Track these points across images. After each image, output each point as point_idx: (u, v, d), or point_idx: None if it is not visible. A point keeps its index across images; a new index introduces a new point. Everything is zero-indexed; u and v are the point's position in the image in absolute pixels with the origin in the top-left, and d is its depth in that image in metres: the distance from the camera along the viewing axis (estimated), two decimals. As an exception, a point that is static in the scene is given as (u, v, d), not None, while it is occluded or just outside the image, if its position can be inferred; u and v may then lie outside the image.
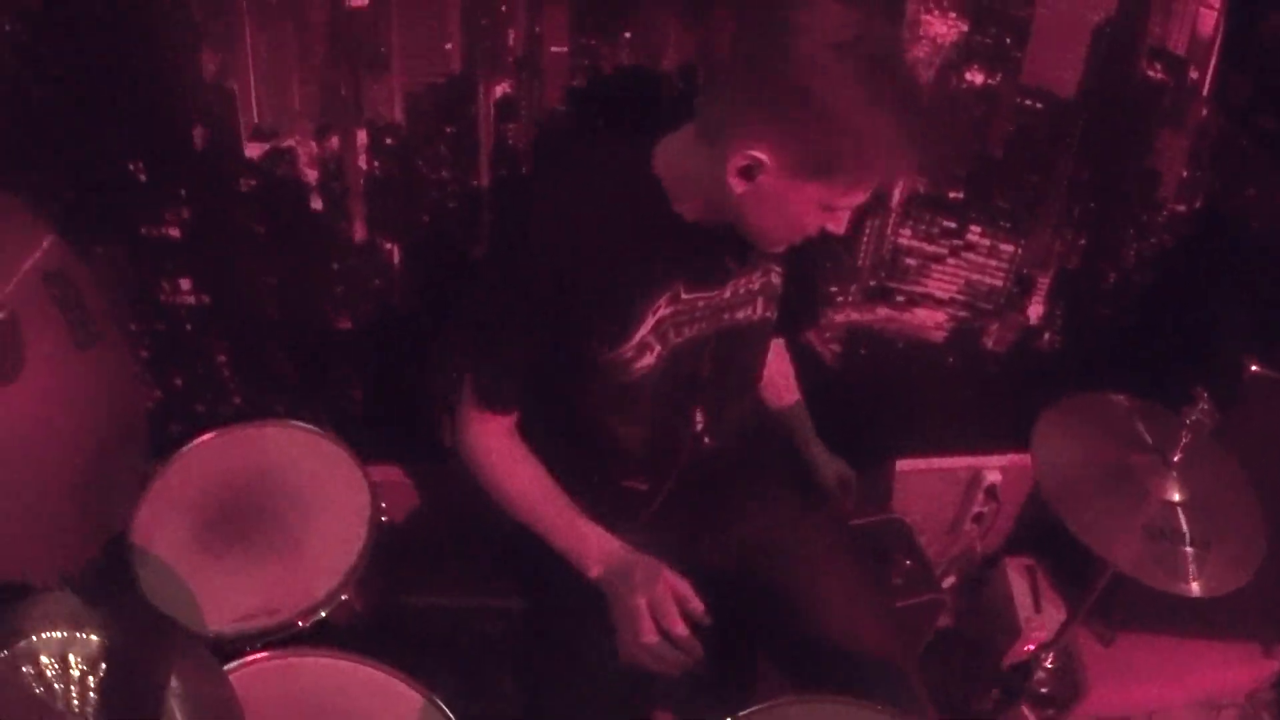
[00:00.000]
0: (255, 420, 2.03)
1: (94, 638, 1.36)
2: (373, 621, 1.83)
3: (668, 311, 1.66)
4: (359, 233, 2.01)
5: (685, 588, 1.64)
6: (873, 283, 2.31)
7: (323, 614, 1.72)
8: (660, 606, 1.61)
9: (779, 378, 2.11)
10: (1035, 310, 2.43)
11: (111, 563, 1.69)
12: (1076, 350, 2.50)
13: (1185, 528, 1.67)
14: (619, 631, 1.65)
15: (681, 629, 1.60)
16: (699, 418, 1.82)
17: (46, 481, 1.38)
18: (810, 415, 2.12)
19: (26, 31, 1.69)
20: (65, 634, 1.35)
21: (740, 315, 1.76)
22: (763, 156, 1.43)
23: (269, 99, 1.82)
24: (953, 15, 1.96)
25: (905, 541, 2.33)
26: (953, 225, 2.25)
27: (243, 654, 1.62)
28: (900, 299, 2.35)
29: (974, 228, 2.27)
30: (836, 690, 1.51)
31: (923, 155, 1.52)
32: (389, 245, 2.04)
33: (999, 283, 2.36)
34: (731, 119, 1.45)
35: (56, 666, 1.33)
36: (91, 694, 1.33)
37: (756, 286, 1.76)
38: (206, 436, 1.98)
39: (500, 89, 1.88)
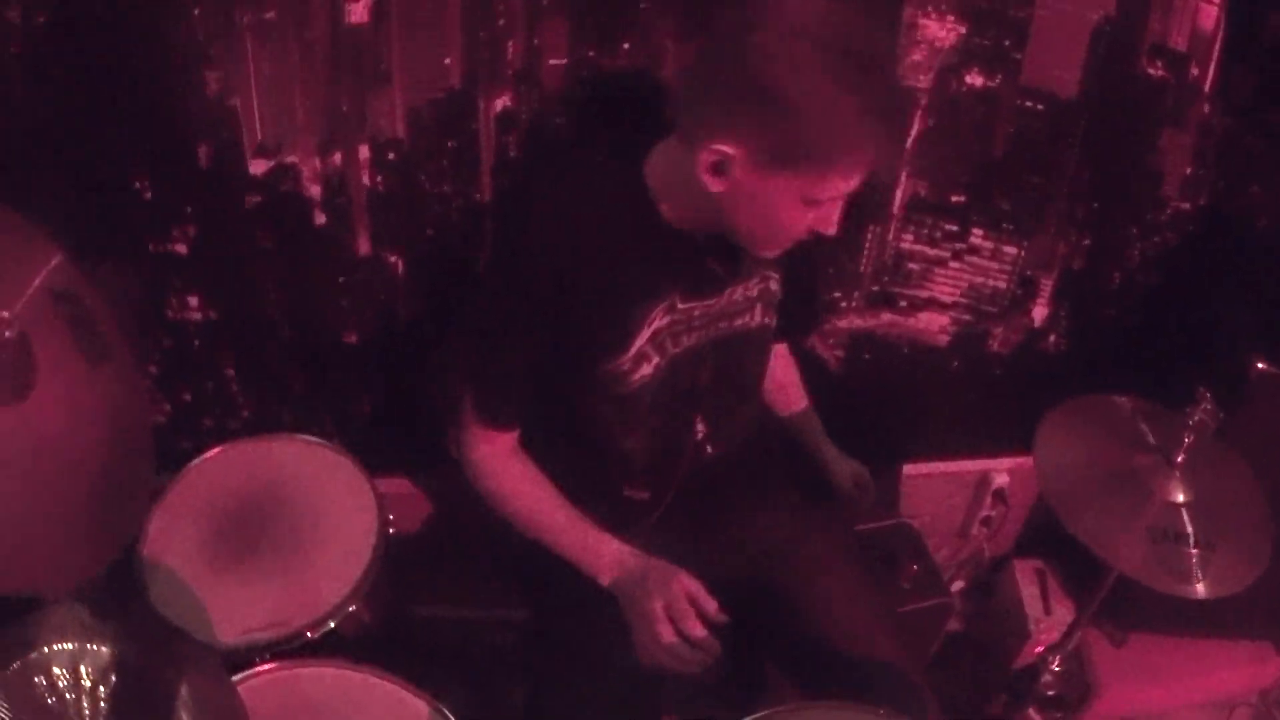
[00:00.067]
0: (263, 434, 2.03)
1: (105, 649, 1.38)
2: (381, 632, 1.83)
3: (664, 322, 1.66)
4: (363, 247, 2.02)
5: (698, 588, 1.64)
6: (875, 288, 2.31)
7: (331, 625, 1.72)
8: (676, 609, 1.61)
9: (786, 384, 2.11)
10: (1039, 312, 2.42)
11: (122, 575, 1.70)
12: (1082, 351, 2.50)
13: (1190, 529, 1.66)
14: (636, 637, 1.65)
15: (699, 629, 1.60)
16: (700, 427, 1.83)
17: (57, 496, 1.38)
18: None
19: (32, 52, 1.71)
20: (76, 645, 1.37)
21: (739, 323, 1.76)
22: (730, 150, 1.43)
23: (272, 116, 1.83)
24: (950, 18, 1.96)
25: (913, 546, 2.33)
26: (955, 229, 2.25)
27: (252, 664, 1.62)
28: (903, 304, 2.35)
29: (976, 230, 2.27)
30: (843, 695, 1.52)
31: (889, 133, 1.44)
32: (393, 259, 2.04)
33: (1002, 285, 2.36)
34: (699, 117, 1.46)
35: (68, 677, 1.34)
36: (103, 704, 1.35)
37: (755, 293, 1.76)
38: (215, 450, 1.98)
39: (500, 102, 1.89)
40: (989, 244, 2.29)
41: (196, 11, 1.71)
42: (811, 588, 1.78)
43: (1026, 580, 2.64)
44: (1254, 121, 2.16)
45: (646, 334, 1.64)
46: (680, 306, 1.67)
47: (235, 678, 1.57)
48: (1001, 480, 2.59)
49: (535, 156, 1.94)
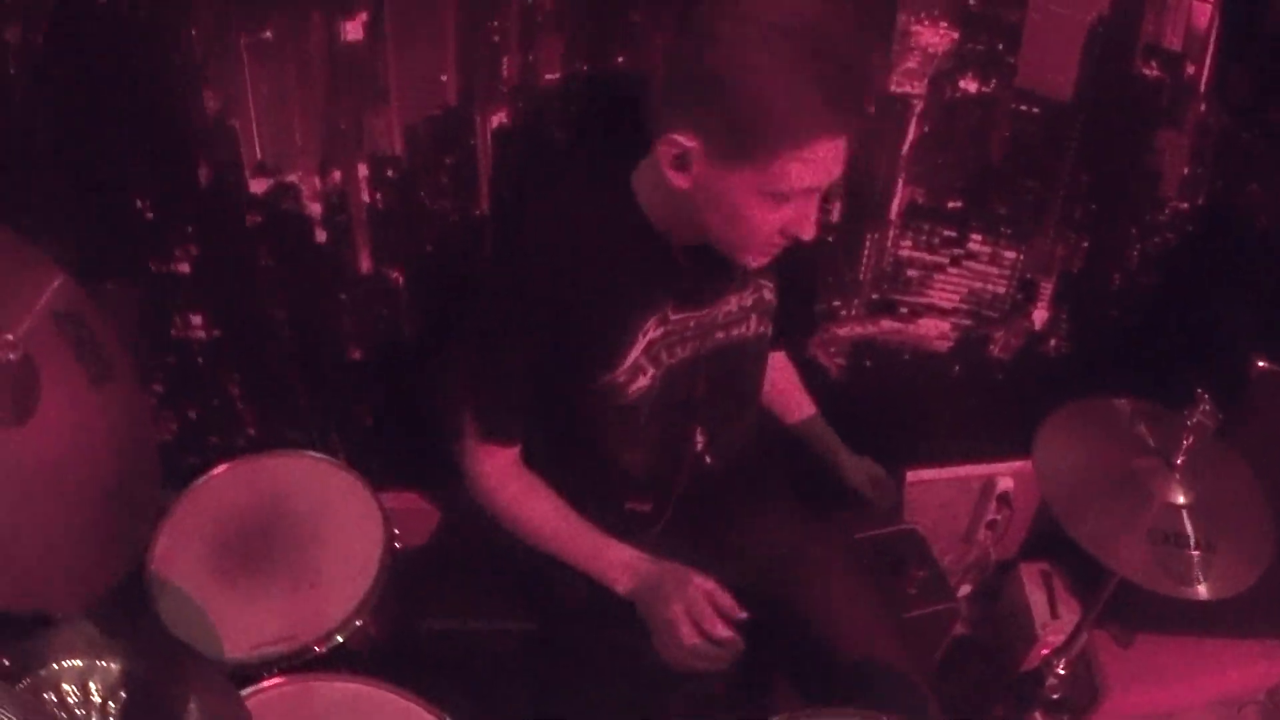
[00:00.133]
0: (269, 450, 2.05)
1: (114, 665, 1.39)
2: (388, 645, 1.84)
3: (658, 333, 1.67)
4: (364, 264, 2.02)
5: (714, 587, 1.66)
6: (875, 296, 2.31)
7: (339, 639, 1.73)
8: (696, 610, 1.62)
9: (790, 392, 2.12)
10: (1040, 315, 2.42)
11: (130, 592, 1.69)
12: (1083, 354, 2.50)
13: (1190, 530, 1.65)
14: (659, 642, 1.66)
15: (721, 628, 1.62)
16: (699, 437, 1.83)
17: (65, 515, 1.39)
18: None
19: (30, 75, 1.72)
20: (86, 662, 1.38)
21: (735, 333, 1.77)
22: (687, 142, 1.43)
23: (271, 135, 1.84)
24: (943, 24, 1.96)
25: (918, 551, 2.33)
26: (953, 234, 2.25)
27: (260, 679, 1.63)
28: (904, 310, 2.35)
29: (975, 236, 2.27)
30: (848, 702, 1.52)
31: (836, 109, 1.38)
32: (395, 275, 2.05)
33: (1002, 290, 2.36)
34: (660, 113, 1.46)
35: (78, 694, 1.36)
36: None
37: (749, 303, 1.76)
38: (221, 468, 2.00)
39: (497, 119, 1.89)
40: (987, 249, 2.29)
41: (194, 32, 1.72)
42: (814, 594, 1.79)
43: (1032, 583, 2.63)
44: (1251, 119, 2.16)
45: (641, 345, 1.65)
46: (673, 317, 1.67)
47: (244, 692, 1.58)
48: (1006, 484, 2.59)
49: (529, 171, 1.95)
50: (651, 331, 1.66)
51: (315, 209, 1.94)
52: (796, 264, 1.73)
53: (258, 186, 1.89)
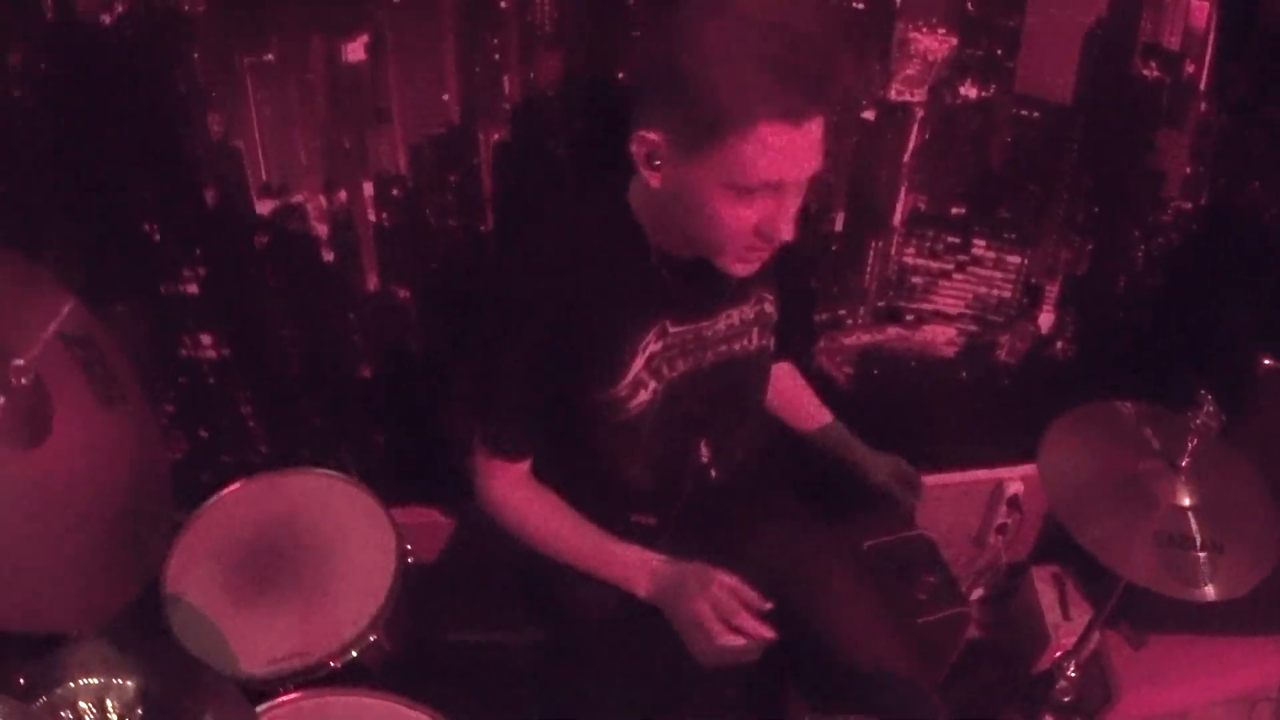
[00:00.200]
0: (281, 468, 2.05)
1: (130, 683, 1.41)
2: (401, 659, 1.84)
3: (658, 347, 1.67)
4: (372, 282, 2.04)
5: (737, 581, 1.65)
6: (881, 303, 2.32)
7: (353, 654, 1.73)
8: (722, 605, 1.62)
9: (803, 402, 2.12)
10: (1046, 319, 2.43)
11: (145, 610, 1.72)
12: (1090, 356, 2.50)
13: (1196, 532, 1.65)
14: (688, 640, 1.66)
15: (750, 621, 1.61)
16: (704, 451, 1.84)
17: (79, 536, 1.39)
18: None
19: (35, 98, 1.74)
20: (102, 680, 1.40)
21: (736, 346, 1.77)
22: (654, 137, 1.44)
23: (275, 156, 1.86)
24: (942, 30, 1.97)
25: (929, 557, 2.32)
26: (957, 240, 2.26)
27: (276, 694, 1.64)
28: (910, 318, 2.36)
29: (978, 241, 2.27)
30: (856, 711, 1.53)
31: (786, 91, 1.34)
32: (402, 292, 2.07)
33: (1008, 294, 2.36)
34: (633, 113, 1.47)
35: (94, 711, 1.37)
36: (128, 737, 1.38)
37: (751, 316, 1.77)
38: (234, 486, 2.00)
39: (499, 136, 1.91)
40: (991, 254, 2.30)
41: (196, 55, 1.74)
42: (821, 603, 1.78)
43: (1044, 586, 2.63)
44: (1252, 117, 2.16)
45: (641, 359, 1.66)
46: (672, 330, 1.68)
47: (260, 708, 1.59)
48: (1015, 488, 2.59)
49: (531, 187, 1.96)
50: (651, 345, 1.66)
51: (322, 229, 1.96)
52: (796, 277, 1.73)
53: (264, 207, 1.91)
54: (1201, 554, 1.63)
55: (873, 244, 2.22)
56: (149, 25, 1.71)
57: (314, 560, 1.88)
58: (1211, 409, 1.67)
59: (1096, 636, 1.99)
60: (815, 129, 1.41)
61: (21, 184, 1.83)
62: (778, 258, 1.66)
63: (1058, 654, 2.06)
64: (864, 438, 2.13)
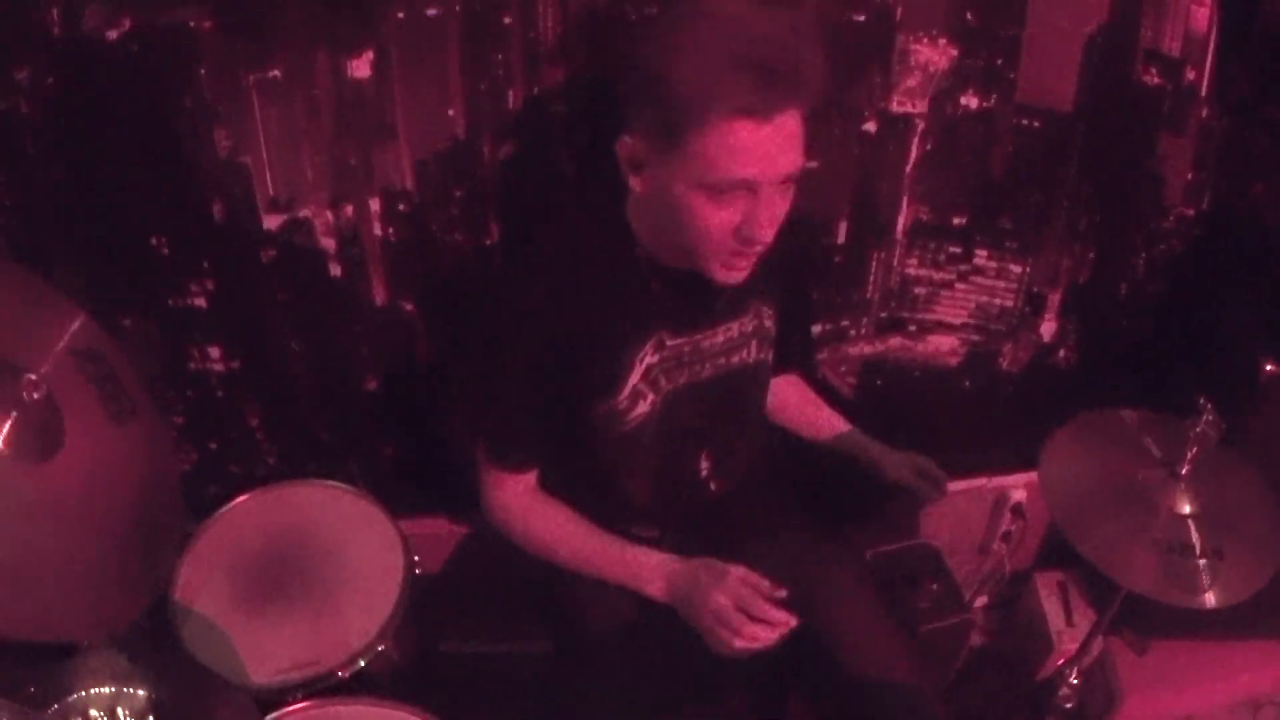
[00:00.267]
0: (289, 480, 2.06)
1: (141, 692, 1.42)
2: (409, 668, 1.85)
3: (655, 359, 1.68)
4: (379, 296, 2.05)
5: (748, 572, 1.66)
6: (884, 314, 2.33)
7: (361, 664, 1.75)
8: (742, 598, 1.62)
9: (816, 413, 2.12)
10: (1048, 327, 2.43)
11: (156, 621, 1.73)
12: (1093, 363, 2.50)
13: (1196, 540, 1.65)
14: (709, 635, 1.65)
15: (770, 610, 1.61)
16: (703, 463, 1.85)
17: (90, 547, 1.40)
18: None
19: (43, 114, 1.76)
20: (114, 689, 1.41)
21: (735, 359, 1.78)
22: (634, 140, 1.47)
23: (282, 171, 1.87)
24: (942, 41, 1.97)
25: (933, 565, 2.33)
26: (959, 250, 2.27)
27: (284, 704, 1.65)
28: (912, 328, 2.36)
29: (980, 251, 2.28)
30: (861, 719, 1.54)
31: (741, 81, 1.34)
32: (409, 306, 2.08)
33: (1010, 303, 2.37)
34: (620, 121, 1.50)
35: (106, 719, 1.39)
36: (139, 745, 1.39)
37: (750, 329, 1.78)
38: (243, 498, 2.02)
39: (504, 150, 1.92)
40: (993, 263, 2.30)
41: (203, 72, 1.76)
42: (825, 614, 1.77)
43: (1048, 592, 2.63)
44: (1254, 119, 2.15)
45: (639, 371, 1.67)
46: (669, 343, 1.69)
47: (268, 717, 1.61)
48: (1019, 495, 2.58)
49: (534, 201, 1.97)
50: (649, 357, 1.67)
51: (329, 243, 1.97)
52: (798, 288, 1.73)
53: (271, 222, 1.92)
54: (1202, 561, 1.64)
55: (875, 255, 2.23)
56: (155, 42, 1.72)
57: (323, 571, 1.89)
58: (1211, 417, 1.67)
59: (1099, 643, 1.99)
60: (786, 126, 1.41)
61: (30, 199, 1.84)
62: (779, 270, 1.68)
63: (1061, 659, 2.06)
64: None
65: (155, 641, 1.70)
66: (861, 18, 1.92)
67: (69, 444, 1.39)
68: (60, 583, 1.33)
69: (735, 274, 1.57)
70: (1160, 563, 1.64)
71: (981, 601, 2.75)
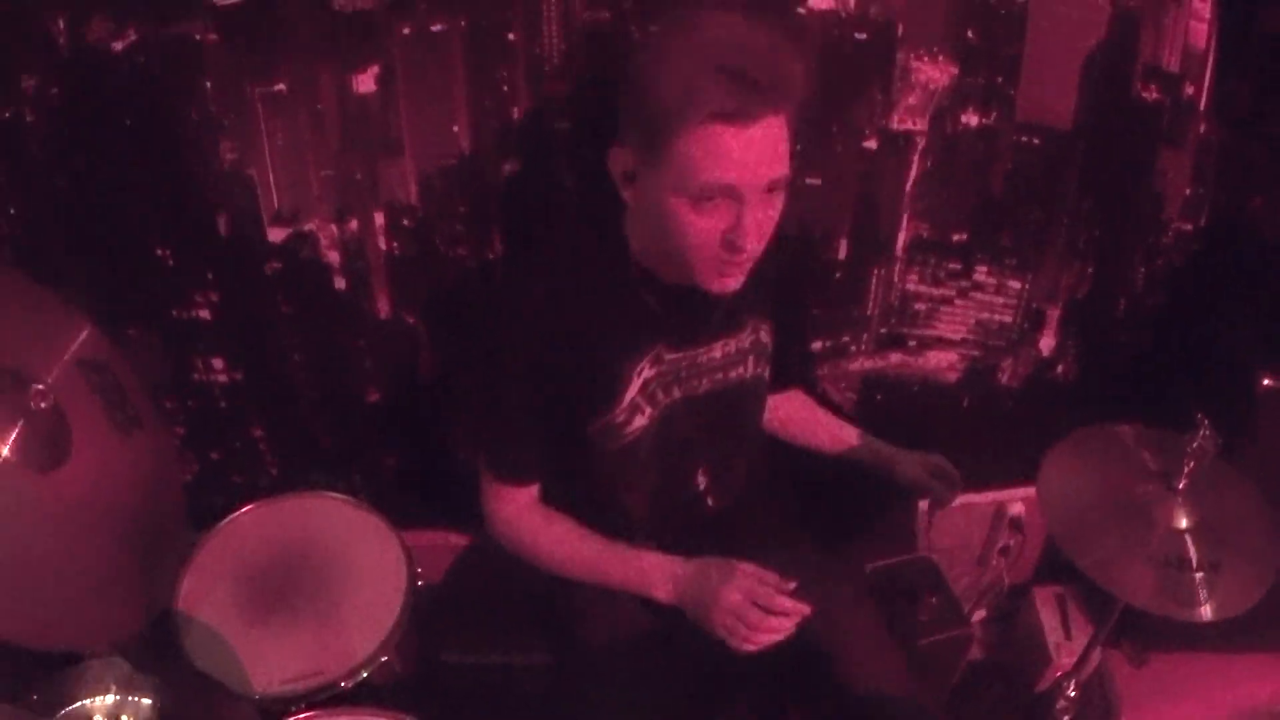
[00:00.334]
0: (292, 491, 2.06)
1: (145, 700, 1.44)
2: (412, 679, 1.86)
3: (652, 373, 1.69)
4: (383, 309, 2.06)
5: (755, 567, 1.66)
6: (883, 330, 2.33)
7: (364, 675, 1.74)
8: (754, 592, 1.62)
9: (825, 426, 2.13)
10: (1047, 343, 2.43)
11: (159, 630, 1.72)
12: (1092, 379, 2.51)
13: (1193, 554, 1.64)
14: (725, 633, 1.64)
15: (784, 602, 1.61)
16: (701, 479, 1.86)
17: (95, 557, 1.41)
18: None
19: (48, 125, 1.77)
20: (118, 697, 1.42)
21: (733, 375, 1.79)
22: (624, 151, 1.49)
23: (287, 185, 1.88)
24: (942, 59, 1.98)
25: (931, 579, 2.33)
26: (959, 267, 2.27)
27: (287, 714, 1.66)
28: (912, 344, 2.37)
29: (980, 267, 2.28)
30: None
31: (717, 85, 1.35)
32: (412, 320, 2.09)
33: (1009, 319, 2.37)
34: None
35: (110, 727, 1.40)
36: (143, 752, 1.40)
37: (747, 345, 1.79)
38: (246, 509, 2.01)
39: (509, 166, 1.93)
40: (993, 280, 2.30)
41: (208, 84, 1.77)
42: (824, 627, 1.76)
43: (1046, 606, 2.63)
44: (1252, 134, 2.15)
45: (637, 385, 1.68)
46: (667, 357, 1.70)
47: (272, 727, 1.61)
48: (1017, 509, 2.58)
49: (538, 216, 1.98)
50: (646, 371, 1.68)
51: (334, 257, 1.98)
52: (798, 304, 1.73)
53: (276, 235, 1.93)
54: (1199, 574, 1.63)
55: (875, 271, 2.23)
56: (160, 54, 1.74)
57: (326, 582, 1.89)
58: (1208, 432, 1.67)
59: (1097, 656, 1.98)
60: (766, 133, 1.41)
61: (36, 211, 1.86)
62: (777, 285, 1.69)
63: (1059, 673, 2.06)
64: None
65: (159, 650, 1.71)
66: (862, 36, 1.93)
67: (75, 454, 1.40)
68: (65, 591, 1.34)
69: (728, 283, 1.57)
70: (1158, 576, 1.63)
71: (980, 615, 2.75)
